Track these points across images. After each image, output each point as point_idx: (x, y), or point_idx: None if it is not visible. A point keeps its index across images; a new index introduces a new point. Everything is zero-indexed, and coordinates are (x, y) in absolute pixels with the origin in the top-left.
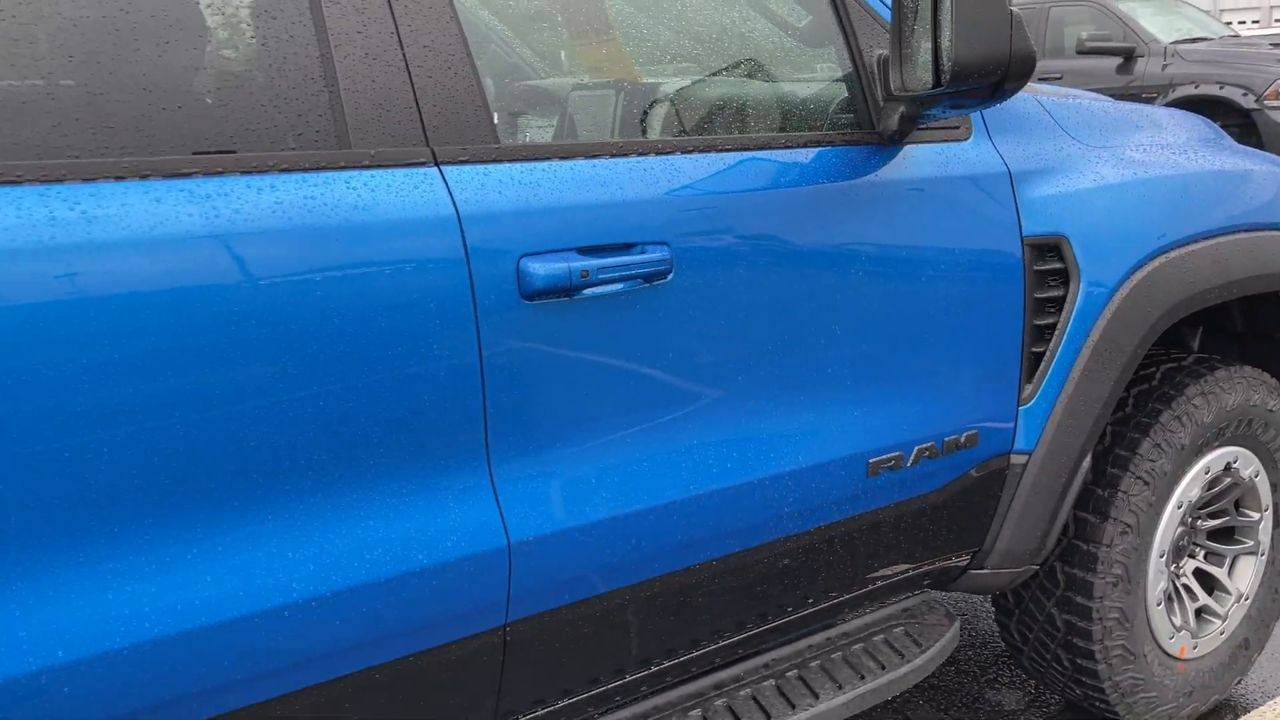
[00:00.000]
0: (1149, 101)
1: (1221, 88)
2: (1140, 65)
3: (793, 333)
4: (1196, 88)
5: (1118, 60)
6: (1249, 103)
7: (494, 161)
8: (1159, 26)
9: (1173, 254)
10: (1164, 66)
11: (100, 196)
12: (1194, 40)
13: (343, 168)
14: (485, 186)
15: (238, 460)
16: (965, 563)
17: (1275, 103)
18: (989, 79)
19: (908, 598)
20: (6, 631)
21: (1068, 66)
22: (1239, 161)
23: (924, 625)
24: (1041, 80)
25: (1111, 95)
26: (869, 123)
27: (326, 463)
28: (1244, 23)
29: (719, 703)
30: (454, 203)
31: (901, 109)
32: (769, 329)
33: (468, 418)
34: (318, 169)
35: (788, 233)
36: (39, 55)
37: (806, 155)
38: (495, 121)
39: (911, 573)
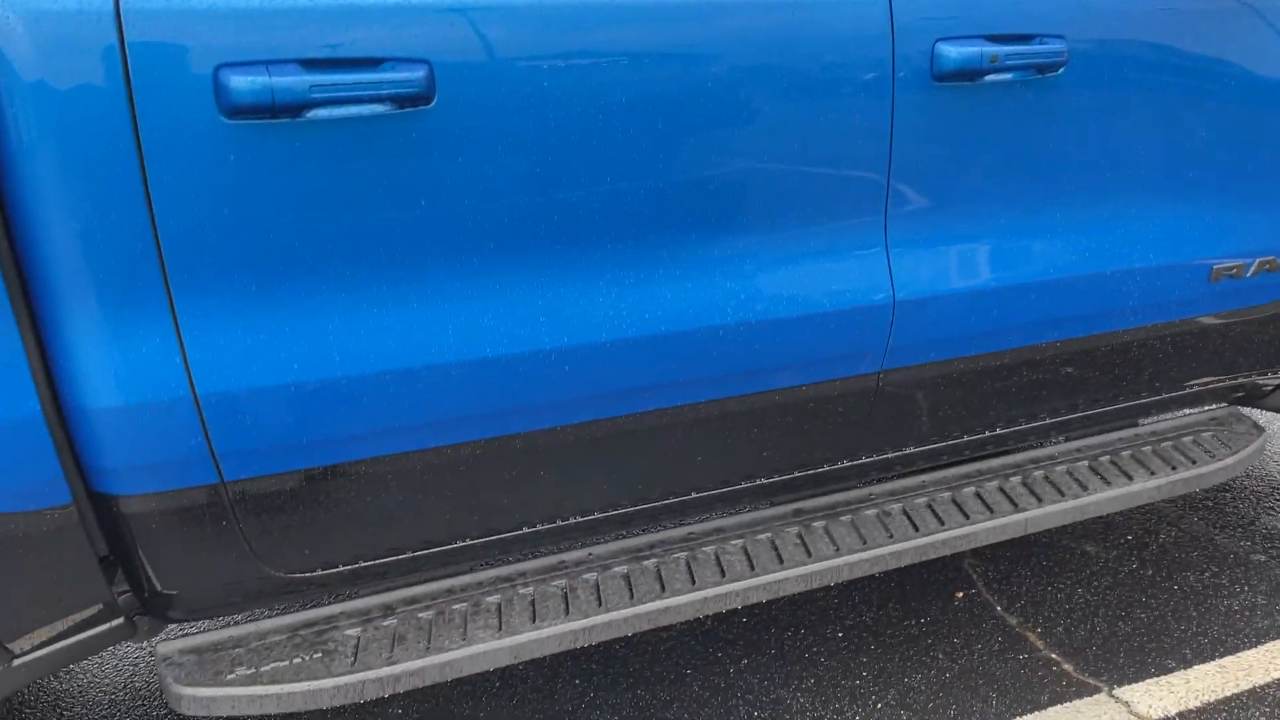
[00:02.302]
0: None
1: None
2: None
3: (1163, 136)
4: None
5: None
6: None
7: None
8: None
9: None
10: None
11: None
12: None
13: None
14: None
15: (711, 193)
16: (1279, 381)
17: None
18: None
19: (1218, 408)
20: None
21: None
22: None
23: (1233, 433)
24: None
25: None
26: None
27: (774, 204)
28: None
29: (1037, 474)
30: None
31: None
32: (1143, 130)
33: (875, 181)
34: None
35: (1169, 40)
36: None
37: None
38: None
39: (1227, 382)
